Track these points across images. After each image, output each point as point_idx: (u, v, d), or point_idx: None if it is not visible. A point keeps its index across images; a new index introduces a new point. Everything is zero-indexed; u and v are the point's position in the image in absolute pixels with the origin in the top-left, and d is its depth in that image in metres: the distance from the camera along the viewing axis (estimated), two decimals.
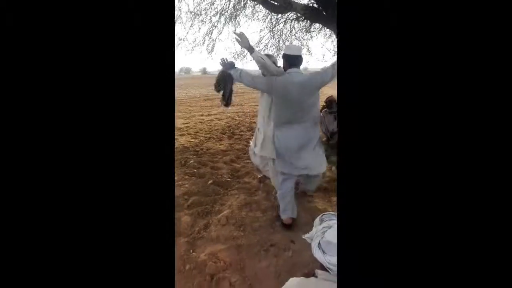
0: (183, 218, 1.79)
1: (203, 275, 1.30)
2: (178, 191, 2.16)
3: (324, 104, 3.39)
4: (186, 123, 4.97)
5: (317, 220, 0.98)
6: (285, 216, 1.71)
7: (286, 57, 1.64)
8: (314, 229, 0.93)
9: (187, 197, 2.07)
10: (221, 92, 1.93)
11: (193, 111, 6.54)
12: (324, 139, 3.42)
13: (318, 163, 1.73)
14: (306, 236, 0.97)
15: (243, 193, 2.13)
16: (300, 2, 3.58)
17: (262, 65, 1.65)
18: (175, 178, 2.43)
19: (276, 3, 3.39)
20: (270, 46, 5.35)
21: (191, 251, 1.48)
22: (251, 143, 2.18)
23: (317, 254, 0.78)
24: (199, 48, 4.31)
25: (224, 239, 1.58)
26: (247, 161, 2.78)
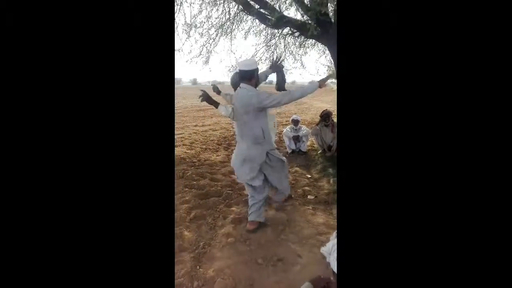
0: (186, 233, 1.75)
1: None
2: (179, 204, 2.11)
3: (320, 117, 3.48)
4: (180, 134, 4.92)
5: (334, 233, 0.99)
6: (249, 220, 1.78)
7: (239, 72, 1.69)
8: (330, 242, 0.95)
9: (188, 210, 2.03)
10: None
11: (186, 122, 6.49)
12: (320, 151, 3.50)
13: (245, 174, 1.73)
14: (323, 250, 0.98)
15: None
16: (296, 18, 3.72)
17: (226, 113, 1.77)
18: (175, 190, 2.38)
19: (272, 18, 3.50)
20: (265, 60, 5.49)
21: (197, 267, 1.44)
22: None
23: (335, 266, 0.80)
24: (195, 59, 4.34)
25: (230, 254, 1.55)
26: None
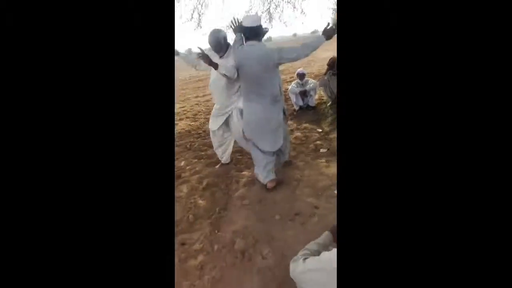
0: (201, 201, 1.76)
1: (233, 253, 1.29)
2: (190, 175, 2.11)
3: (327, 66, 3.21)
4: (182, 107, 4.81)
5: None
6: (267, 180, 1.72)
7: (243, 29, 1.56)
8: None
9: (200, 180, 2.02)
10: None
11: (186, 94, 6.31)
12: (330, 103, 3.30)
13: (273, 142, 1.68)
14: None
15: None
16: None
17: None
18: (184, 163, 2.36)
19: None
20: (262, 13, 4.98)
21: (216, 231, 1.46)
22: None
23: None
24: (188, 24, 4.01)
25: (246, 216, 1.55)
26: None
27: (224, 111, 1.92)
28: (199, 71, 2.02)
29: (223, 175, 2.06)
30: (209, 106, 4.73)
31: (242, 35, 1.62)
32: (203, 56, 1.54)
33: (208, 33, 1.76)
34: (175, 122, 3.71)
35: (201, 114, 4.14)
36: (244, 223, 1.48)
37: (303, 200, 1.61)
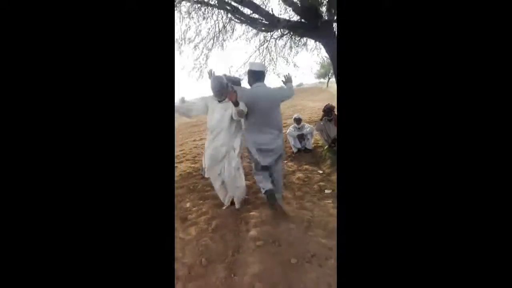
0: (212, 244, 1.69)
1: None
2: (197, 217, 2.06)
3: (323, 112, 3.51)
4: (181, 150, 4.87)
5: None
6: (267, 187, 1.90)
7: (251, 73, 1.89)
8: None
9: (208, 221, 1.97)
10: None
11: (184, 138, 6.44)
12: (326, 146, 3.50)
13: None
14: None
15: (265, 208, 2.08)
16: (283, 17, 3.77)
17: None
18: (190, 204, 2.32)
19: (265, 22, 3.53)
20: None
21: (232, 275, 1.39)
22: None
23: None
24: (190, 73, 4.37)
25: (262, 258, 1.50)
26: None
27: (221, 156, 1.97)
28: (188, 118, 2.14)
29: (231, 215, 2.03)
30: None
31: (248, 77, 1.91)
32: (233, 92, 1.71)
33: (211, 79, 1.89)
34: (175, 165, 3.73)
35: (200, 156, 4.20)
36: (260, 266, 1.43)
37: (317, 241, 1.60)
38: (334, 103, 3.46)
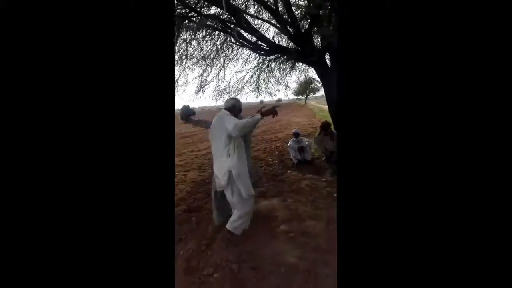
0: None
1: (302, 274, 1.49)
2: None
3: (320, 128, 3.96)
4: (183, 160, 5.01)
5: None
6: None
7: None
8: None
9: None
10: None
11: (180, 149, 6.56)
12: (324, 158, 3.92)
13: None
14: None
15: (288, 211, 2.36)
16: (284, 45, 4.28)
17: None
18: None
19: (266, 47, 3.99)
20: (250, 85, 6.04)
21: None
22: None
23: None
24: (188, 88, 4.67)
25: (292, 247, 1.78)
26: (271, 182, 3.04)
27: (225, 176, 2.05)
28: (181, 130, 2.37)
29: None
30: (210, 158, 5.03)
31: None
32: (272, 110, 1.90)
33: (228, 99, 2.15)
34: (183, 173, 3.89)
35: (206, 166, 4.39)
36: (296, 253, 1.71)
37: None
38: (314, 119, 3.89)
